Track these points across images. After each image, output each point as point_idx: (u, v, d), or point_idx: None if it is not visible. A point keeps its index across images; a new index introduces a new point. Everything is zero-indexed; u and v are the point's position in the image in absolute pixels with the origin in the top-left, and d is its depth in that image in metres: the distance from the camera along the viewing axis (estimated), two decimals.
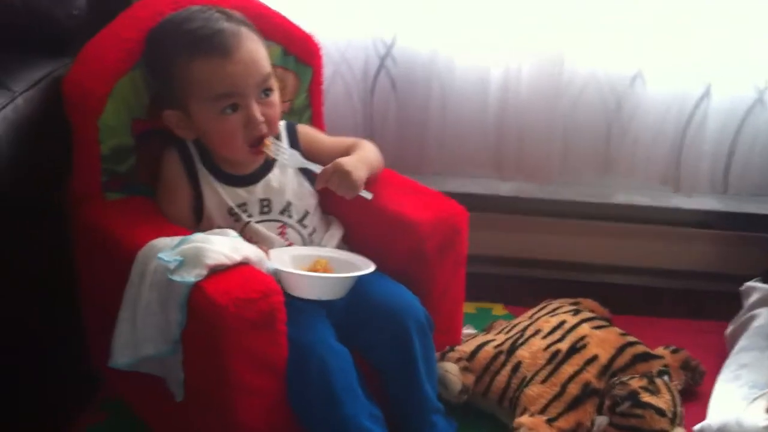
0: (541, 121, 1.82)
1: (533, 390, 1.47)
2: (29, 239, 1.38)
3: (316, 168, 1.46)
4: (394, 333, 1.40)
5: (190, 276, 1.23)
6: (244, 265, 1.29)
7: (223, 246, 1.28)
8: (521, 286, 1.98)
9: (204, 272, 1.24)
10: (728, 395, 1.48)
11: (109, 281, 1.38)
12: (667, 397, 1.45)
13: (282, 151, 1.46)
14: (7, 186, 1.30)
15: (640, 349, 1.58)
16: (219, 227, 1.44)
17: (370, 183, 1.50)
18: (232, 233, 1.36)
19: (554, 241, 1.98)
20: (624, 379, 1.48)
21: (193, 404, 1.33)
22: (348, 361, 1.35)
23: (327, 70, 1.77)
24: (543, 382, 1.48)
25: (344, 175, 1.43)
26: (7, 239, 1.31)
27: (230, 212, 1.47)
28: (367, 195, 1.47)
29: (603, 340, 1.57)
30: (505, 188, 1.94)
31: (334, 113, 1.80)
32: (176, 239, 1.29)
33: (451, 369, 1.50)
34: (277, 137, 1.50)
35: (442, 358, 1.52)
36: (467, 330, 1.68)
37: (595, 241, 1.98)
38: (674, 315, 1.90)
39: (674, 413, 1.44)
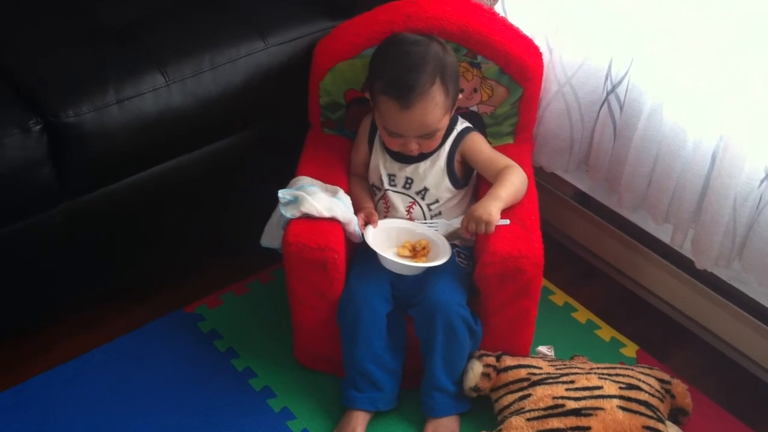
0: (726, 215, 1.78)
1: (517, 421, 1.71)
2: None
3: (457, 225, 1.83)
4: (427, 321, 1.77)
5: (288, 213, 1.77)
6: (333, 221, 1.77)
7: (321, 201, 1.77)
8: (671, 338, 2.03)
9: (298, 214, 1.76)
10: None
11: None
12: None
13: (432, 225, 1.87)
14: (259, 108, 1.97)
15: None
16: (373, 184, 1.94)
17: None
18: (342, 195, 1.82)
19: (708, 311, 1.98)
20: None
21: None
22: (380, 320, 1.79)
23: (551, 87, 1.98)
24: (528, 420, 1.71)
25: (481, 223, 1.74)
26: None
27: (379, 178, 1.92)
28: (504, 222, 1.78)
29: (615, 422, 1.68)
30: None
31: (550, 127, 2.03)
32: (305, 184, 1.82)
33: (474, 368, 1.79)
34: (441, 144, 1.87)
35: (480, 356, 1.82)
36: (546, 350, 1.90)
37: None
38: None
39: None
